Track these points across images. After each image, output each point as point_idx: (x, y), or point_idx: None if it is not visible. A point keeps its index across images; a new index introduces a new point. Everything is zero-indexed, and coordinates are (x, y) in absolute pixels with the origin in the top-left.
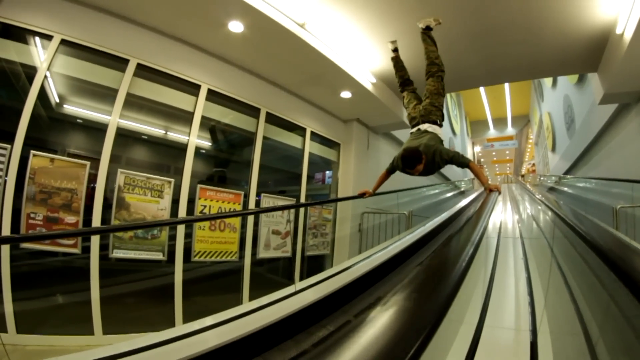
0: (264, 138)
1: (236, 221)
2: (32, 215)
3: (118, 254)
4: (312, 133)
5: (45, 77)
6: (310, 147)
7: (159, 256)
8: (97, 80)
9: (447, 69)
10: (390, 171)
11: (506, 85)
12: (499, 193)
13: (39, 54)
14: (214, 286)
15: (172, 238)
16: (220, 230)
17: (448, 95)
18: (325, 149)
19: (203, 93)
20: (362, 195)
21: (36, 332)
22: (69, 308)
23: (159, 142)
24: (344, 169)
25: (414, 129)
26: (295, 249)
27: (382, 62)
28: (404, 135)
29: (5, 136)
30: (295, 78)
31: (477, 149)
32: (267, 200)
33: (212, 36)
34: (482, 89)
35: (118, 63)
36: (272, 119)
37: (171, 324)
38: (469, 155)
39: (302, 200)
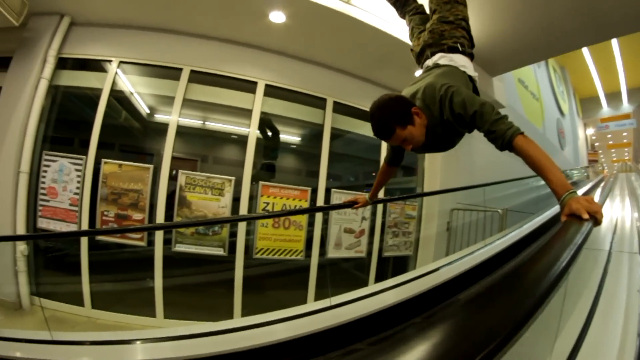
0: (333, 129)
1: (302, 219)
2: (105, 213)
3: (180, 248)
4: None
5: (111, 96)
6: None
7: (219, 252)
8: (157, 91)
9: (535, 25)
10: (390, 160)
11: (616, 50)
12: (594, 223)
13: (108, 77)
14: (279, 283)
15: (234, 235)
16: (285, 227)
17: (551, 67)
18: None
19: (260, 89)
20: (351, 205)
21: (107, 309)
22: (136, 293)
23: (223, 138)
24: (430, 156)
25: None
26: (372, 249)
27: None
28: None
29: (83, 145)
30: (358, 62)
31: (590, 131)
32: (338, 196)
33: (256, 31)
34: (589, 59)
35: (174, 72)
36: (341, 109)
37: (229, 315)
38: (581, 140)
39: (381, 196)
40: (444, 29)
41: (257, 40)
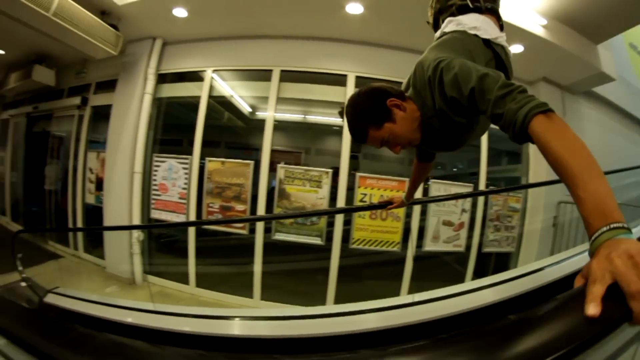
0: None
1: (400, 210)
2: (210, 205)
3: (279, 237)
4: None
5: (211, 100)
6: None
7: (317, 241)
8: (254, 92)
9: None
10: (419, 155)
11: None
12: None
13: (205, 85)
14: (373, 273)
15: (331, 224)
16: (382, 219)
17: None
18: None
19: (351, 81)
20: (384, 206)
21: (210, 288)
22: (236, 276)
23: (323, 130)
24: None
25: None
26: (471, 244)
27: None
28: (614, 93)
29: (188, 146)
30: None
31: None
32: (437, 187)
33: (335, 23)
34: None
35: (265, 73)
36: None
37: (322, 302)
38: None
39: (482, 187)
40: None
41: (338, 33)
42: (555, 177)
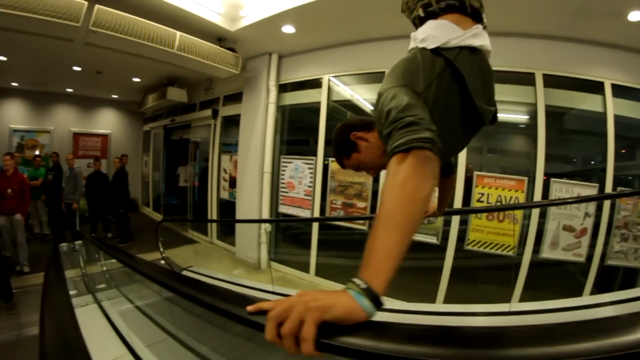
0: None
1: (518, 212)
2: (334, 202)
3: None
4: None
5: (332, 103)
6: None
7: (433, 240)
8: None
9: None
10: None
11: None
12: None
13: (323, 90)
14: (486, 276)
15: (447, 224)
16: (499, 220)
17: None
18: None
19: (608, 91)
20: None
21: (328, 278)
22: (353, 268)
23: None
24: None
25: None
26: (592, 253)
27: None
28: None
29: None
30: (554, 19)
31: None
32: (558, 187)
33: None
34: None
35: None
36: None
37: (431, 300)
38: None
39: (608, 188)
40: None
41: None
42: None
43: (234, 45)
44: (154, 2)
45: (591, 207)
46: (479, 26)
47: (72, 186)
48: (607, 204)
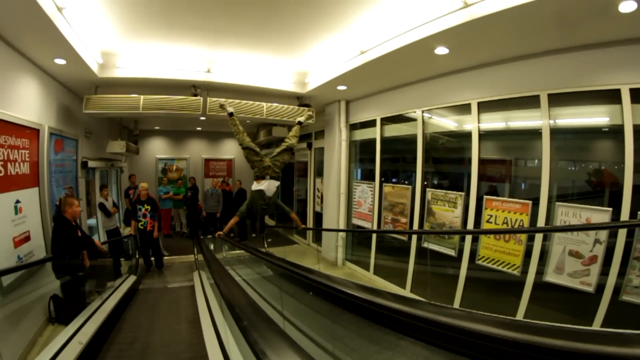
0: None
1: (522, 235)
2: (385, 216)
3: (428, 245)
4: None
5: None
6: None
7: (451, 252)
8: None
9: None
10: None
11: None
12: None
13: (377, 129)
14: (492, 289)
15: (463, 239)
16: (505, 240)
17: None
18: None
19: (626, 97)
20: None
21: (382, 277)
22: (399, 269)
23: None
24: None
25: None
26: (604, 284)
27: None
28: None
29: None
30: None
31: None
32: (564, 211)
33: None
34: None
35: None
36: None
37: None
38: None
39: (625, 213)
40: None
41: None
42: None
43: (309, 101)
44: (249, 87)
45: (603, 233)
46: (262, 181)
47: (215, 200)
48: (623, 230)
